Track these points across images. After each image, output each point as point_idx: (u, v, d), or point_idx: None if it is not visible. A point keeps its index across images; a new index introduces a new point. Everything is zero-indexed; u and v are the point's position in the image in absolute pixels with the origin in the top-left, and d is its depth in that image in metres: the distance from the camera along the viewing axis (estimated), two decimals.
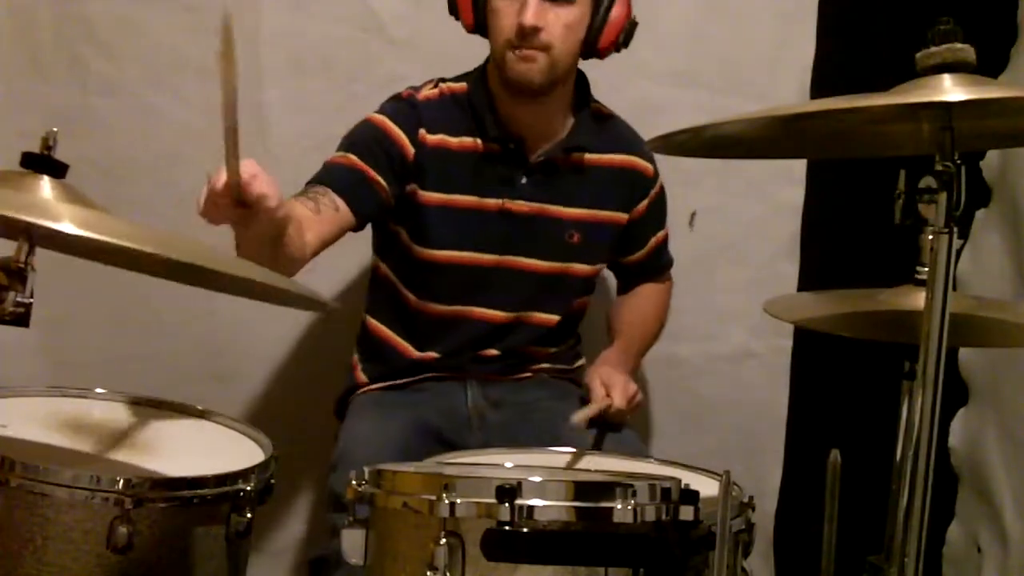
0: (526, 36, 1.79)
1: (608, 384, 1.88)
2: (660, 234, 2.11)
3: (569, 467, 1.66)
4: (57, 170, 1.32)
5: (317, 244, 1.75)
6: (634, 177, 2.02)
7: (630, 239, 2.06)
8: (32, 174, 1.31)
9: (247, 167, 1.42)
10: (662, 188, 2.07)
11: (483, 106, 1.91)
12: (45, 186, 1.30)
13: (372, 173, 1.85)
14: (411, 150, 1.88)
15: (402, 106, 1.92)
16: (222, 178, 1.41)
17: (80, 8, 2.16)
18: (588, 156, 1.97)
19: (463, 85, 1.95)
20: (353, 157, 1.85)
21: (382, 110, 1.92)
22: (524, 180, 1.93)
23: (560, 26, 1.80)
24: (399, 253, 1.96)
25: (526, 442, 1.80)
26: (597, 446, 1.83)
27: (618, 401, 1.85)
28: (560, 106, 1.94)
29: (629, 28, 1.89)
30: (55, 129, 1.33)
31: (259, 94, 2.22)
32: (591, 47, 1.87)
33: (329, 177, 1.83)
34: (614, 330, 2.11)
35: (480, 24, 1.88)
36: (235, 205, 1.44)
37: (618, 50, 1.91)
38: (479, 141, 1.92)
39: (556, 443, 1.76)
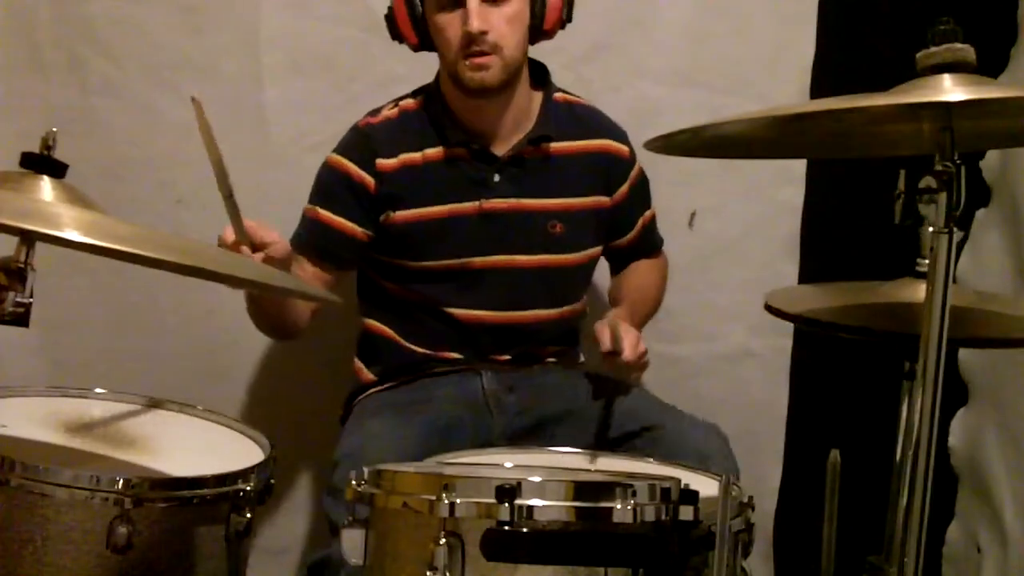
0: (474, 41, 1.81)
1: (617, 334, 1.82)
2: (647, 214, 2.11)
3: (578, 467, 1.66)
4: (57, 170, 1.32)
5: (314, 307, 1.91)
6: (609, 160, 2.02)
7: (617, 223, 2.07)
8: (32, 174, 1.31)
9: (249, 225, 1.58)
10: (641, 169, 2.07)
11: (439, 114, 1.93)
12: (45, 186, 1.30)
13: (341, 222, 1.92)
14: (372, 182, 1.92)
15: (355, 140, 1.95)
16: (230, 234, 1.58)
17: (80, 8, 2.16)
18: (557, 145, 1.97)
19: (418, 99, 1.98)
20: (321, 211, 1.93)
21: (339, 147, 1.97)
22: (497, 178, 1.94)
23: (504, 23, 1.82)
24: (384, 267, 1.98)
25: (544, 416, 1.90)
26: (606, 421, 1.85)
27: (628, 353, 1.80)
28: (520, 98, 1.94)
29: (569, 2, 1.91)
30: (55, 129, 1.33)
31: (259, 94, 2.22)
32: (537, 31, 1.89)
33: (305, 239, 1.92)
34: (612, 302, 2.10)
35: (424, 41, 1.90)
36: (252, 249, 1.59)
37: (563, 27, 1.92)
38: (443, 150, 1.93)
39: (571, 416, 1.86)
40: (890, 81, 1.31)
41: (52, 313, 2.03)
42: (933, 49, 1.29)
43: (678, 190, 2.13)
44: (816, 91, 2.33)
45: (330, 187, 1.94)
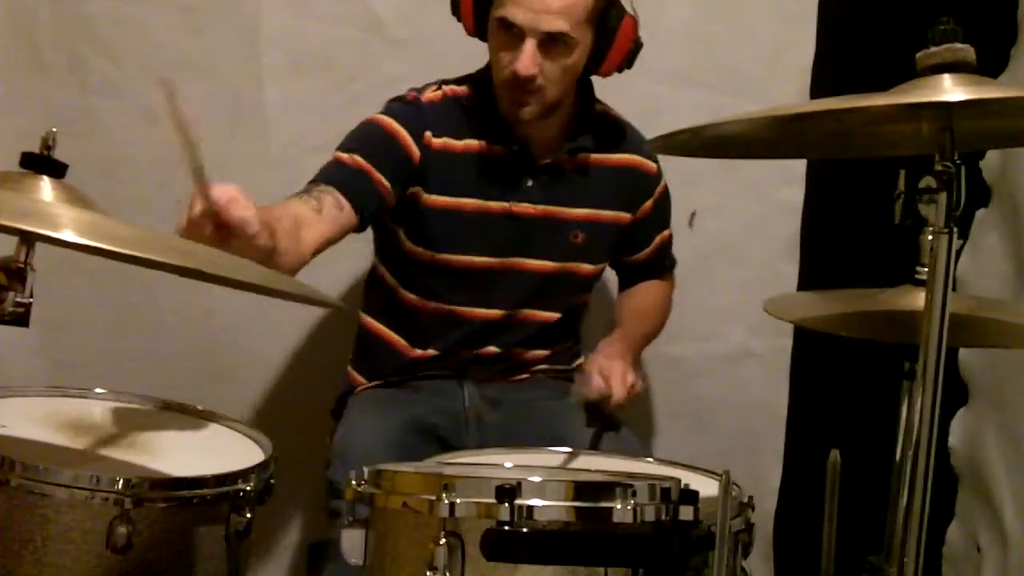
0: (520, 82, 1.79)
1: (607, 374, 1.82)
2: (664, 233, 2.12)
3: (566, 466, 1.66)
4: (57, 170, 1.32)
5: (318, 243, 1.72)
6: (637, 176, 2.02)
7: (634, 239, 2.07)
8: (32, 174, 1.31)
9: (226, 191, 1.42)
10: (666, 187, 2.07)
11: (486, 109, 1.91)
12: (45, 186, 1.30)
13: (376, 175, 1.83)
14: (417, 153, 1.88)
15: (408, 108, 1.90)
16: (197, 205, 1.41)
17: (80, 8, 2.16)
18: (593, 156, 1.97)
19: (465, 88, 1.94)
20: (359, 158, 1.83)
21: (388, 111, 1.90)
22: (531, 183, 1.93)
23: (557, 71, 1.80)
24: (397, 252, 1.96)
25: (523, 442, 1.78)
26: (595, 445, 1.82)
27: (617, 392, 1.79)
28: (561, 118, 1.93)
29: (634, 50, 1.89)
30: (55, 129, 1.33)
31: (259, 94, 2.22)
32: (592, 71, 1.88)
33: (334, 176, 1.81)
34: (616, 321, 2.11)
35: (480, 31, 1.87)
36: (216, 229, 1.42)
37: (620, 71, 1.90)
38: (484, 144, 1.91)
39: (554, 442, 1.74)
40: (890, 81, 1.31)
41: (52, 313, 2.03)
42: (933, 49, 1.29)
43: (678, 190, 2.13)
44: (816, 91, 2.33)
45: (372, 143, 1.86)
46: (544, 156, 1.93)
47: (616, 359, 1.88)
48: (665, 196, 2.08)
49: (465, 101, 1.93)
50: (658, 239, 2.10)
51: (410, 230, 1.93)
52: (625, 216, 2.01)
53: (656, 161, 2.04)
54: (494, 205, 1.92)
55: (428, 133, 1.88)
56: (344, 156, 1.84)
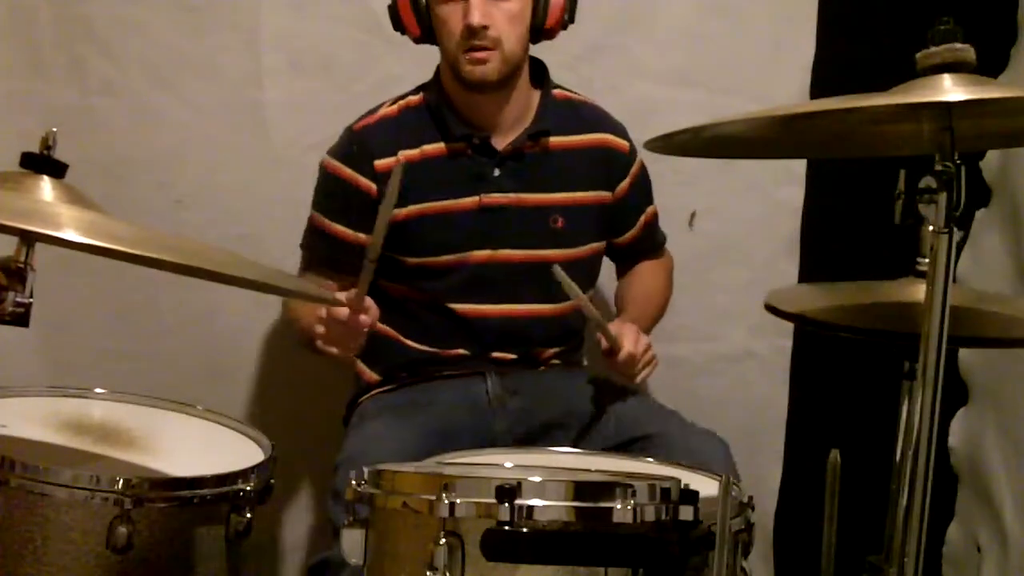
0: (475, 35, 1.82)
1: (620, 332, 1.86)
2: (649, 210, 2.11)
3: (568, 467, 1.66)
4: (57, 170, 1.32)
5: None
6: (609, 155, 2.02)
7: (618, 219, 2.07)
8: (32, 174, 1.31)
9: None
10: (643, 165, 2.07)
11: (440, 108, 1.94)
12: (45, 186, 1.30)
13: (345, 232, 1.94)
14: (370, 185, 1.92)
15: (347, 145, 1.96)
16: (348, 301, 1.68)
17: (80, 8, 2.16)
18: (556, 140, 1.97)
19: (419, 96, 1.98)
20: (324, 220, 1.96)
21: (335, 151, 1.97)
22: (497, 172, 1.94)
23: (505, 19, 1.84)
24: (387, 264, 1.97)
25: (547, 423, 1.89)
26: (608, 427, 1.87)
27: (627, 345, 1.84)
28: (519, 94, 1.95)
29: (571, 3, 1.92)
30: (55, 129, 1.33)
31: (259, 94, 2.22)
32: (539, 30, 1.90)
33: (312, 256, 1.99)
34: (619, 309, 2.11)
35: (426, 33, 1.91)
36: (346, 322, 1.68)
37: (565, 27, 1.93)
38: (442, 145, 1.94)
39: (573, 419, 1.86)
40: (890, 81, 1.31)
41: (52, 313, 2.03)
42: (933, 49, 1.29)
43: (678, 190, 2.13)
44: (816, 91, 2.33)
45: (330, 194, 1.96)
46: (504, 143, 1.94)
47: (629, 324, 1.91)
48: (643, 173, 2.08)
49: (420, 108, 1.97)
50: (643, 217, 2.10)
51: (392, 246, 1.94)
52: (605, 195, 2.01)
53: (629, 140, 2.04)
54: (465, 201, 1.93)
55: (376, 161, 1.92)
56: (315, 217, 1.98)
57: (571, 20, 1.93)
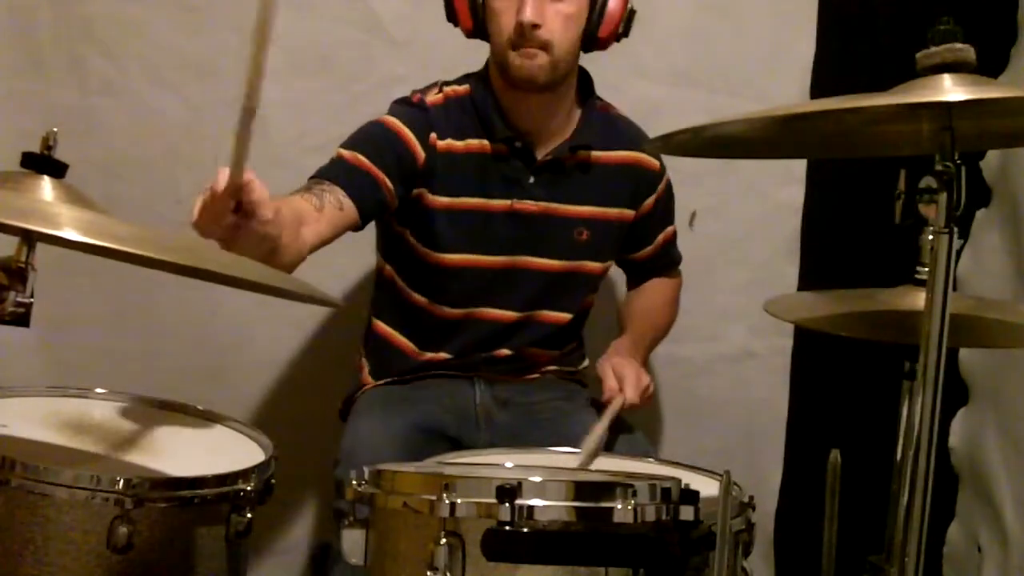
0: (526, 33, 1.79)
1: (620, 376, 1.86)
2: (668, 230, 2.12)
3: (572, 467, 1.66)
4: (57, 170, 1.32)
5: (316, 241, 1.71)
6: (640, 173, 2.02)
7: (638, 236, 2.07)
8: (32, 174, 1.31)
9: (247, 172, 1.37)
10: (669, 184, 2.07)
11: (488, 107, 1.91)
12: (45, 186, 1.30)
13: (380, 174, 1.83)
14: (422, 155, 1.88)
15: (413, 110, 1.91)
16: (223, 180, 1.36)
17: (80, 8, 2.16)
18: (594, 154, 1.97)
19: (466, 87, 1.95)
20: (361, 156, 1.83)
21: (394, 113, 1.91)
22: (532, 180, 1.93)
23: (559, 20, 1.81)
24: (406, 255, 1.96)
25: (532, 442, 1.79)
26: (607, 447, 1.81)
27: (631, 395, 1.84)
28: (565, 102, 1.94)
29: (628, 17, 1.89)
30: (55, 129, 1.33)
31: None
32: (591, 39, 1.87)
33: (337, 174, 1.81)
34: (624, 322, 2.11)
35: (479, 28, 1.88)
36: (232, 211, 1.39)
37: (618, 40, 1.90)
38: (486, 143, 1.91)
39: (562, 443, 1.74)
40: (890, 81, 1.31)
41: (52, 313, 2.02)
42: (933, 49, 1.29)
43: (678, 190, 2.13)
44: (816, 91, 2.33)
45: (377, 143, 1.86)
46: (546, 152, 1.93)
47: (629, 361, 1.91)
48: (668, 193, 2.08)
49: (466, 101, 1.93)
50: (662, 236, 2.10)
51: (416, 232, 1.93)
52: (629, 213, 2.01)
53: (659, 159, 2.04)
54: (497, 203, 1.92)
55: (433, 135, 1.88)
56: (347, 154, 1.84)
57: (625, 34, 1.90)
